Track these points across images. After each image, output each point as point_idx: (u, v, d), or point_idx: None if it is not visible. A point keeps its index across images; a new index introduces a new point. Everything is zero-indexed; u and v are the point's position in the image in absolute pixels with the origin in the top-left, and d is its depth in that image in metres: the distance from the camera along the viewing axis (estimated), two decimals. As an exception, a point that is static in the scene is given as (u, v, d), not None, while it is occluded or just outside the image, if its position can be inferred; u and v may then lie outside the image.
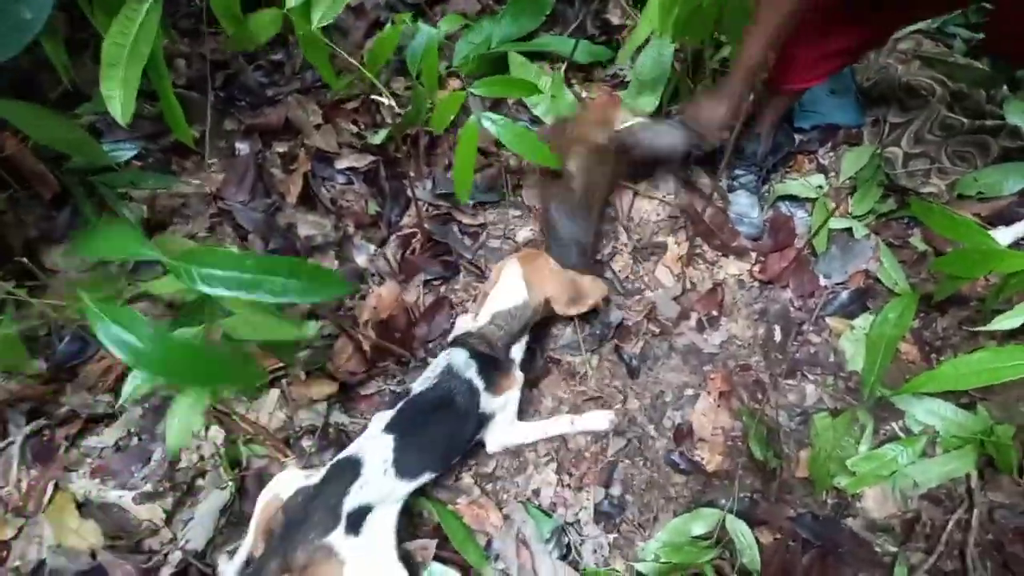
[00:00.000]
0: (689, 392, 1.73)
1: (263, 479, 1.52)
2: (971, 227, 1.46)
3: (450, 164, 1.93)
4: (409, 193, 1.85)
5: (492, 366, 1.48)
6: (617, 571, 1.54)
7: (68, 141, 1.52)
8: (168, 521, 1.51)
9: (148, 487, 1.54)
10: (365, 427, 1.54)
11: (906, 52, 2.03)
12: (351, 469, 1.29)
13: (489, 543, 1.55)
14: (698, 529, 1.56)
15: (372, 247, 1.89)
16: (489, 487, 1.63)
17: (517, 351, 1.55)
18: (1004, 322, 1.49)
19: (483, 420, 1.51)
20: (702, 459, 1.65)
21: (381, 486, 1.30)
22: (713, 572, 1.50)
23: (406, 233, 1.89)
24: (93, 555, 1.45)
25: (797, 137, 2.02)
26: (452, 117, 1.50)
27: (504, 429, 1.58)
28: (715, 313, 1.81)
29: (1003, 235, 1.80)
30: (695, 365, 1.76)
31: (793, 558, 1.53)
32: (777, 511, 1.58)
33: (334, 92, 1.93)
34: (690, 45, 1.84)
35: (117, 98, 1.13)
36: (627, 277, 1.87)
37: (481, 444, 1.60)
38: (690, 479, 1.64)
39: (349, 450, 1.35)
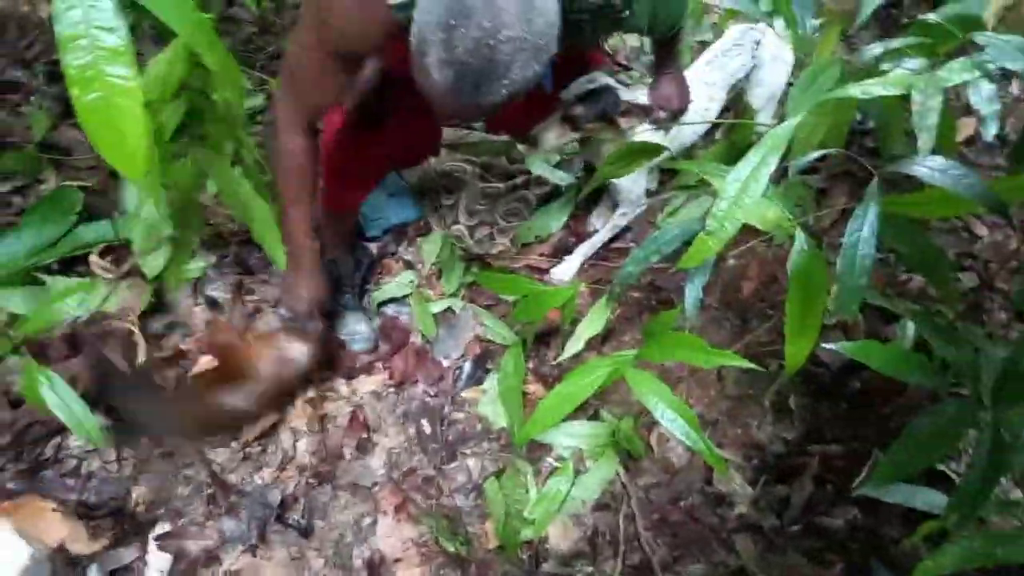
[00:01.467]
0: (367, 522, 1.78)
1: None
2: (519, 282, 1.78)
3: (13, 403, 1.78)
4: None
5: None
6: None
7: None
8: None
9: None
10: None
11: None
12: None
13: None
14: (421, 651, 1.60)
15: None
16: None
17: None
18: (572, 349, 1.80)
19: None
20: (402, 580, 1.71)
21: None
22: None
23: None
24: None
25: (374, 246, 2.26)
26: None
27: None
28: (364, 435, 1.91)
29: (565, 269, 2.22)
30: (364, 493, 1.82)
31: (512, 627, 1.66)
32: (483, 591, 1.70)
33: None
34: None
35: None
36: (262, 450, 1.88)
37: None
38: (398, 606, 1.68)
39: None
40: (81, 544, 1.52)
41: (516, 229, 2.26)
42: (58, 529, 1.49)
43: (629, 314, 2.16)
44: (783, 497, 1.84)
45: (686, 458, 1.90)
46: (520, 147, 2.38)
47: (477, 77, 1.07)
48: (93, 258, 2.01)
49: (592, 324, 1.70)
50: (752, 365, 1.42)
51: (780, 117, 2.11)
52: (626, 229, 2.28)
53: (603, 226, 2.21)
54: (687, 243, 1.33)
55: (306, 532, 1.75)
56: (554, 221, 2.28)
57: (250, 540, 1.71)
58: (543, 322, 1.98)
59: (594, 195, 2.23)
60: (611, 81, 1.86)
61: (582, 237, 2.27)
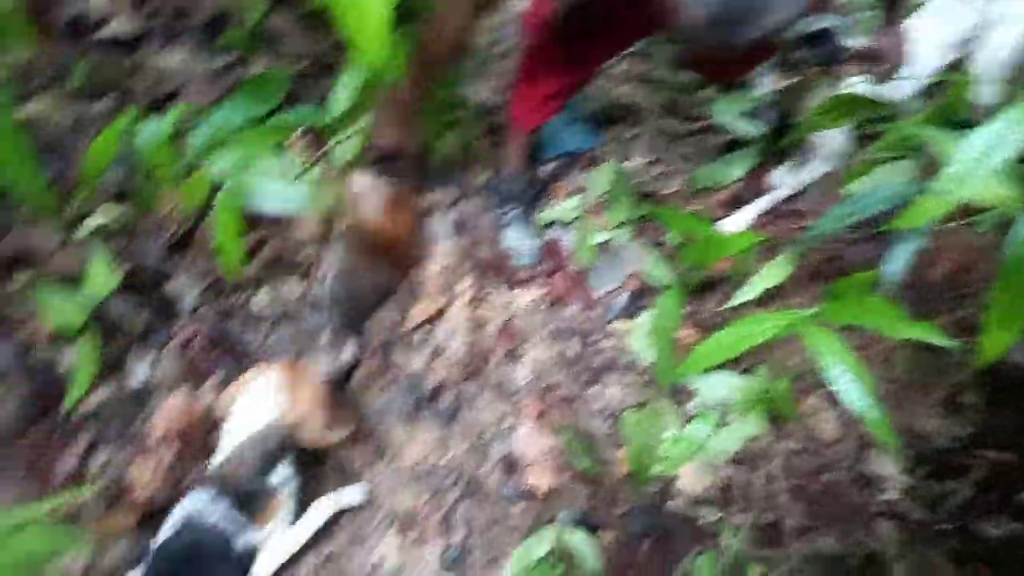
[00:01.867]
0: (507, 423, 1.87)
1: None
2: (695, 221, 1.76)
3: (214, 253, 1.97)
4: (174, 292, 1.87)
5: (246, 501, 1.37)
6: (473, 618, 1.62)
7: None
8: None
9: None
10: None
11: (620, 74, 2.42)
12: None
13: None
14: (541, 550, 1.66)
15: (149, 358, 1.86)
16: (330, 567, 1.65)
17: (279, 475, 1.45)
18: (744, 296, 1.76)
19: (248, 558, 1.39)
20: (533, 484, 1.78)
21: None
22: (563, 588, 1.62)
23: (183, 337, 1.89)
24: None
25: (547, 167, 2.31)
26: (201, 200, 1.51)
27: (272, 557, 1.47)
28: (514, 344, 1.99)
29: (737, 220, 2.17)
30: (507, 397, 1.91)
31: (632, 552, 1.69)
32: (609, 512, 1.74)
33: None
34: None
35: None
36: (421, 326, 2.00)
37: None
38: (526, 505, 1.75)
39: None
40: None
41: (692, 173, 2.22)
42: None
43: (799, 276, 2.08)
44: (939, 494, 1.75)
45: (838, 432, 1.85)
46: (712, 91, 2.32)
47: (738, 14, 1.03)
48: (293, 139, 2.17)
49: (769, 276, 1.67)
50: (951, 343, 1.34)
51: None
52: (801, 191, 2.19)
53: (787, 182, 2.13)
54: (886, 212, 1.28)
55: (450, 419, 1.85)
56: (734, 170, 2.22)
57: (402, 415, 1.83)
58: (708, 270, 1.95)
59: (778, 150, 2.16)
60: (834, 24, 1.77)
61: (759, 191, 2.20)
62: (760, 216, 2.18)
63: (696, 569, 1.65)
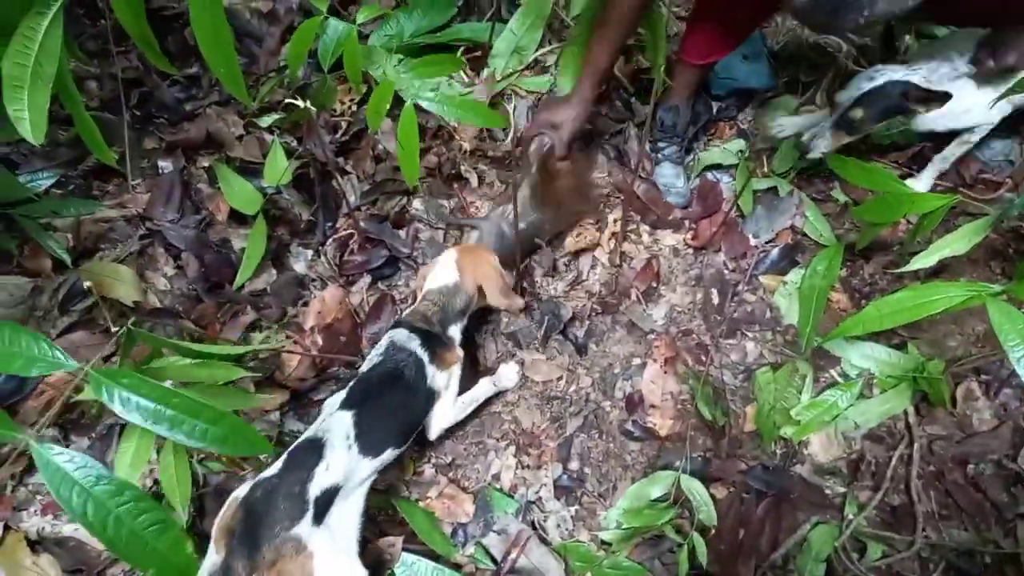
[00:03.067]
0: (636, 362, 1.88)
1: (222, 496, 1.61)
2: (883, 175, 1.62)
3: (376, 158, 2.05)
4: (339, 191, 1.97)
5: (433, 340, 1.57)
6: (582, 542, 1.69)
7: (-22, 176, 1.58)
8: (128, 548, 1.59)
9: (103, 517, 1.62)
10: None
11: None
12: (313, 451, 1.27)
13: (460, 529, 1.68)
14: (656, 492, 1.70)
15: (309, 252, 2.00)
16: (451, 475, 1.76)
17: (455, 331, 1.64)
18: (921, 261, 1.61)
19: (431, 396, 1.58)
20: (654, 425, 1.80)
21: (346, 465, 1.29)
22: (673, 531, 1.65)
23: (343, 235, 2.01)
24: (52, 590, 1.52)
25: (715, 104, 2.20)
26: (387, 107, 1.57)
27: (444, 411, 1.65)
28: (653, 284, 1.97)
29: (919, 182, 2.01)
30: (639, 335, 1.92)
31: (748, 509, 1.69)
32: (729, 466, 1.74)
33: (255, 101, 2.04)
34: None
35: (26, 119, 1.14)
36: (566, 255, 2.02)
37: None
38: (644, 445, 1.79)
39: (307, 434, 1.34)
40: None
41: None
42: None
43: (974, 254, 1.91)
44: (1098, 506, 1.62)
45: (991, 423, 1.74)
46: (908, 38, 2.11)
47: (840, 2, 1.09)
48: (459, 55, 2.18)
49: (955, 243, 1.53)
50: None
51: None
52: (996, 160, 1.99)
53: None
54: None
55: (582, 349, 1.88)
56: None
57: (536, 340, 1.89)
58: (878, 232, 1.82)
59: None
60: (896, 74, 1.63)
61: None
62: (941, 179, 2.00)
63: (813, 538, 1.63)
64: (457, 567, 1.60)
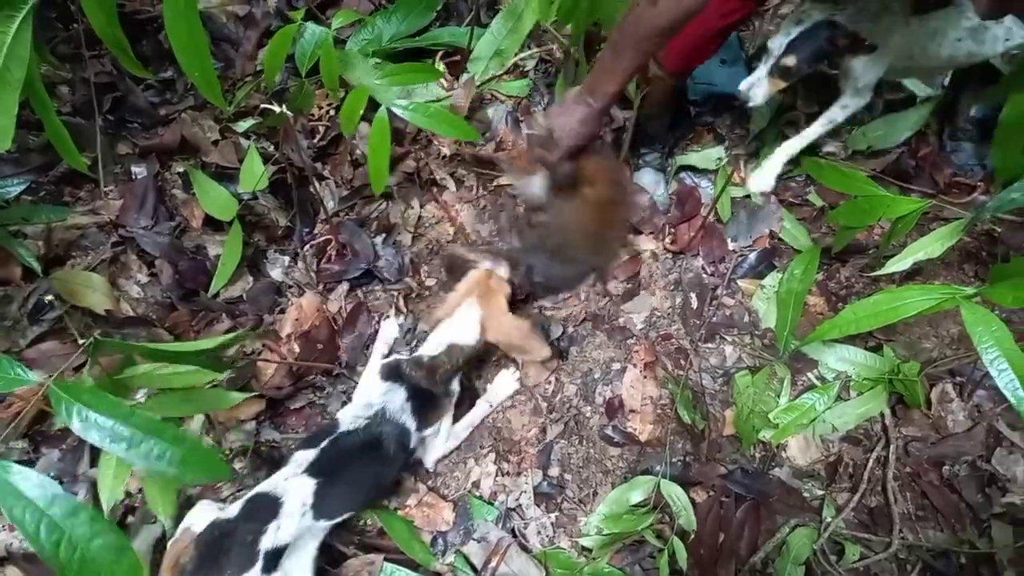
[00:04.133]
0: (616, 367, 1.89)
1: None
2: (859, 178, 1.64)
3: (355, 163, 2.05)
4: (317, 196, 1.96)
5: (428, 404, 1.56)
6: (563, 549, 1.69)
7: (-55, 184, 1.55)
8: (100, 561, 1.56)
9: (75, 529, 1.59)
10: (296, 443, 1.64)
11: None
12: (268, 508, 1.30)
13: (440, 538, 1.68)
14: (636, 497, 1.71)
15: (287, 259, 1.99)
16: (430, 483, 1.75)
17: (455, 385, 1.65)
18: (896, 265, 1.62)
19: (410, 454, 1.59)
20: (634, 430, 1.81)
21: (299, 526, 1.31)
22: (654, 536, 1.66)
23: (320, 241, 2.00)
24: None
25: (693, 110, 2.22)
26: (360, 113, 1.57)
27: (438, 447, 1.70)
28: (632, 287, 1.98)
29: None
30: (619, 340, 1.92)
31: (727, 513, 1.70)
32: (708, 470, 1.75)
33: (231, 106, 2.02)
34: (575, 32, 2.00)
35: (-7, 124, 1.13)
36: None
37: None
38: (624, 450, 1.79)
39: (267, 485, 1.36)
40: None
41: (850, 131, 2.08)
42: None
43: (947, 258, 1.94)
44: (1072, 506, 1.65)
45: (966, 425, 1.76)
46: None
47: None
48: (438, 62, 2.19)
49: (929, 246, 1.56)
50: None
51: None
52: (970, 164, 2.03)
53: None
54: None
55: (563, 354, 1.89)
56: (897, 132, 2.07)
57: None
58: (852, 236, 1.85)
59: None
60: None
61: (926, 159, 2.05)
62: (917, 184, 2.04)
63: (792, 541, 1.65)
64: (437, 576, 1.59)
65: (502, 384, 1.80)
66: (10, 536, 1.58)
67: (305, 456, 1.41)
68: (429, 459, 1.70)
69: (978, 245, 1.97)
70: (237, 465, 1.70)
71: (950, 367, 1.80)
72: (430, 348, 1.59)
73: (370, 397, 1.53)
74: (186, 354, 1.19)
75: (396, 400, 1.50)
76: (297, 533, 1.32)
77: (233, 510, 1.30)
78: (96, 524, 0.86)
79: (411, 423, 1.50)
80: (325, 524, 1.40)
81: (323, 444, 1.42)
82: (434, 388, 1.55)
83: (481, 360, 1.84)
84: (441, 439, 1.68)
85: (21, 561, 1.55)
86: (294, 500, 1.32)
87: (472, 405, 1.79)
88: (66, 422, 0.91)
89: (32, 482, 0.85)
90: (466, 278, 1.66)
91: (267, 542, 1.25)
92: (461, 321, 1.60)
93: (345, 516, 1.46)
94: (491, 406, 1.78)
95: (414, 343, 1.85)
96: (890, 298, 1.44)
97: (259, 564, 1.23)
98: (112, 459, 1.24)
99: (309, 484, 1.35)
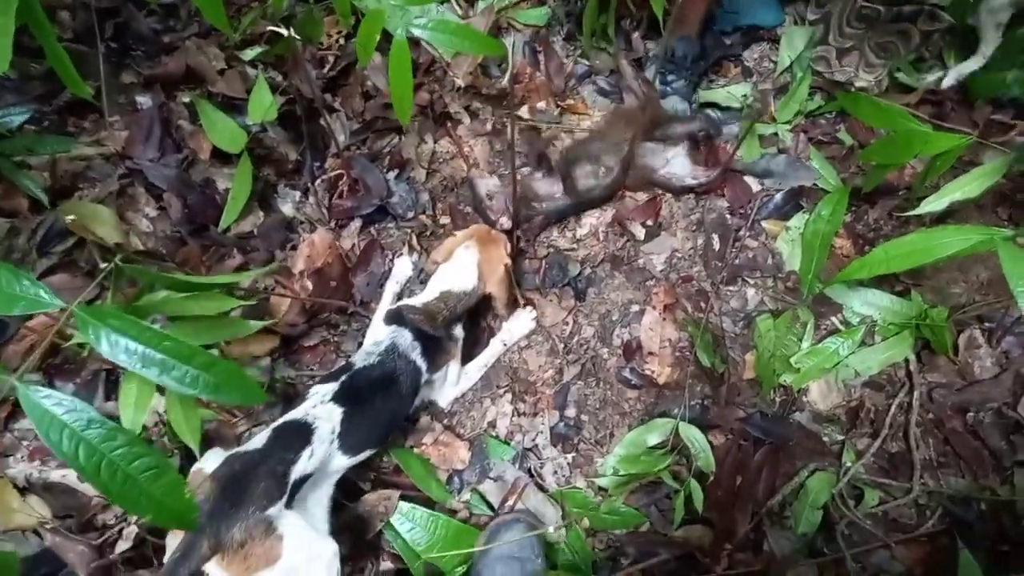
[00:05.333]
0: (635, 309, 1.86)
1: (211, 445, 1.59)
2: (896, 112, 1.54)
3: (366, 95, 1.98)
4: (327, 129, 1.90)
5: (434, 346, 1.54)
6: (579, 489, 1.69)
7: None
8: (118, 494, 1.57)
9: (92, 462, 1.60)
10: (313, 379, 1.64)
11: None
12: (302, 435, 1.26)
13: (456, 476, 1.68)
14: (653, 439, 1.70)
15: (297, 194, 1.94)
16: (447, 422, 1.75)
17: (459, 330, 1.63)
18: (931, 205, 1.54)
19: (423, 394, 1.60)
20: (652, 372, 1.79)
21: (325, 457, 1.29)
22: (670, 478, 1.65)
23: (332, 176, 1.95)
24: (40, 536, 1.51)
25: (722, 41, 2.13)
26: (376, 39, 1.48)
27: (449, 388, 1.70)
28: (653, 223, 1.94)
29: None
30: (639, 282, 1.89)
31: (745, 456, 1.69)
32: (727, 413, 1.73)
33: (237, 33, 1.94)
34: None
35: (-12, 46, 1.06)
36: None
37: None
38: (642, 392, 1.77)
39: (295, 415, 1.32)
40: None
41: (884, 68, 1.99)
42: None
43: (981, 200, 1.87)
44: (1096, 454, 1.63)
45: (993, 371, 1.73)
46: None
47: None
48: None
49: (967, 184, 1.49)
50: None
51: None
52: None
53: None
54: None
55: (580, 296, 1.85)
56: (934, 69, 1.98)
57: (540, 287, 1.89)
58: (887, 175, 1.78)
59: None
60: None
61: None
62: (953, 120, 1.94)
63: (811, 485, 1.64)
64: (452, 513, 1.60)
65: (518, 324, 1.77)
66: (29, 466, 1.58)
67: (327, 388, 1.39)
68: (443, 400, 1.70)
69: (1013, 187, 1.89)
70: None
71: (979, 313, 1.76)
72: (427, 294, 1.58)
73: (378, 336, 1.53)
74: (203, 286, 1.16)
75: (405, 339, 1.49)
76: (322, 463, 1.30)
77: (257, 442, 1.26)
78: (135, 446, 0.85)
79: (422, 363, 1.49)
80: (346, 461, 1.38)
81: (342, 378, 1.41)
82: (436, 332, 1.53)
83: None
84: (451, 381, 1.67)
85: (42, 492, 1.55)
86: (325, 426, 1.31)
87: (487, 344, 1.75)
88: (95, 346, 0.88)
89: (66, 407, 0.83)
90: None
91: (298, 471, 1.22)
92: (457, 266, 1.60)
93: (364, 455, 1.44)
94: (505, 346, 1.76)
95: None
96: (925, 238, 1.38)
97: (286, 495, 1.19)
98: (132, 388, 1.21)
99: (337, 411, 1.34)
